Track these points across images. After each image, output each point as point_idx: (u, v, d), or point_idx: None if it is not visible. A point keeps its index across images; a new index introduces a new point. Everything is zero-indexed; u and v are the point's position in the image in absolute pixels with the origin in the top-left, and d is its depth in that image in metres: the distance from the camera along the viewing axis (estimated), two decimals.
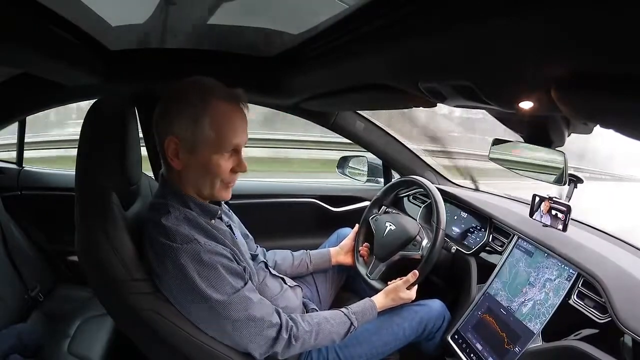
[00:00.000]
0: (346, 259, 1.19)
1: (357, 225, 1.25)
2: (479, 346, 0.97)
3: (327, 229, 1.39)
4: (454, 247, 1.17)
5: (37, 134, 3.03)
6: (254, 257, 0.99)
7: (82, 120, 0.76)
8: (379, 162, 1.57)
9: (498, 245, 1.11)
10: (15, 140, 1.46)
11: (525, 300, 0.93)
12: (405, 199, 1.50)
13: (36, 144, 2.96)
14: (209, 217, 0.81)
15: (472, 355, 0.97)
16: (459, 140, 4.03)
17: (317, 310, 1.03)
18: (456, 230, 1.27)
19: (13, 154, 1.48)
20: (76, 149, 0.76)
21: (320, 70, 0.86)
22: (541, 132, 0.75)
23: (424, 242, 1.09)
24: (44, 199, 1.42)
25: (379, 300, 0.98)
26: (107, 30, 0.84)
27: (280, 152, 3.77)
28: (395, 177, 1.54)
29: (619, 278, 0.81)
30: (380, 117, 1.45)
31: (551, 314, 0.86)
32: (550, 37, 0.34)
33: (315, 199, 1.61)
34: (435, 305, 1.07)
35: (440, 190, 1.17)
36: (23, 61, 0.77)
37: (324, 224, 1.55)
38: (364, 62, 0.68)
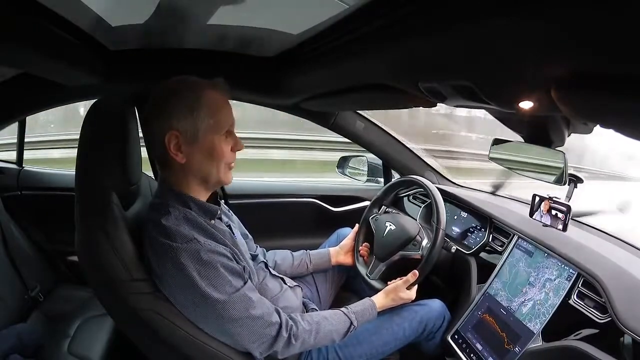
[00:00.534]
0: (346, 259, 1.19)
1: (357, 225, 1.25)
2: (479, 346, 0.97)
3: (327, 229, 1.39)
4: (454, 247, 1.17)
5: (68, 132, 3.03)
6: (253, 257, 0.99)
7: None
8: (379, 162, 1.56)
9: (498, 245, 1.11)
10: (14, 140, 1.46)
11: (525, 300, 0.93)
12: (405, 198, 1.50)
13: (65, 141, 2.98)
14: (208, 217, 0.81)
15: (472, 355, 0.97)
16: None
17: (317, 310, 1.03)
18: (456, 230, 1.27)
19: (13, 155, 1.49)
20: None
21: (320, 71, 0.86)
22: (541, 132, 0.75)
23: (424, 242, 1.09)
24: (44, 199, 1.42)
25: (379, 300, 0.98)
26: (107, 30, 0.84)
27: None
28: (395, 177, 1.54)
29: (619, 278, 0.81)
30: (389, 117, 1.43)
31: (551, 314, 0.86)
32: (550, 37, 0.34)
33: (315, 198, 1.61)
34: (435, 305, 1.07)
35: (440, 190, 1.17)
36: (23, 61, 0.77)
37: (324, 224, 1.55)
38: (363, 62, 0.68)
